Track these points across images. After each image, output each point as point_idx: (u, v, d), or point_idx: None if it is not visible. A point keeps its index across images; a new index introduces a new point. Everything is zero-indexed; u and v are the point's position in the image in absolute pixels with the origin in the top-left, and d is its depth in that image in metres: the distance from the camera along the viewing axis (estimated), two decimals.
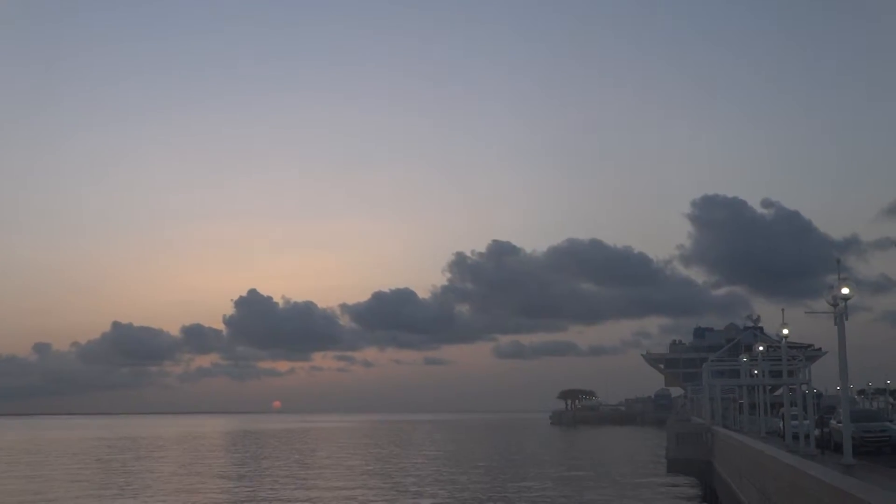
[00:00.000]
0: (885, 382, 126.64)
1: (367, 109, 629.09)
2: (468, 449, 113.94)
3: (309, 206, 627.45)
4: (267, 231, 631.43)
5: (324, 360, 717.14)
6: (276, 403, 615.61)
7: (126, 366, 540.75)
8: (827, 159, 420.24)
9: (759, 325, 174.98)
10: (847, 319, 24.71)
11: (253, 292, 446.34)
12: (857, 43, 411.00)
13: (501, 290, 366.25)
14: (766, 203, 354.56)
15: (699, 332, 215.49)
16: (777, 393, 79.71)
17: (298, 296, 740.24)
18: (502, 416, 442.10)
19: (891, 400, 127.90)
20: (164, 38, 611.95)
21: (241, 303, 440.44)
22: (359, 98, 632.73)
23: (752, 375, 55.36)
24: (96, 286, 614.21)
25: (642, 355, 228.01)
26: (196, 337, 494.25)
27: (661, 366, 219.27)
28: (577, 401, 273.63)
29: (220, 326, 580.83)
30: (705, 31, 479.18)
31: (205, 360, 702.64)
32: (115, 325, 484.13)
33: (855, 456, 25.35)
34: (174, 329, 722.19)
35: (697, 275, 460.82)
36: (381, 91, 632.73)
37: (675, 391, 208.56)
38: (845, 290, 23.75)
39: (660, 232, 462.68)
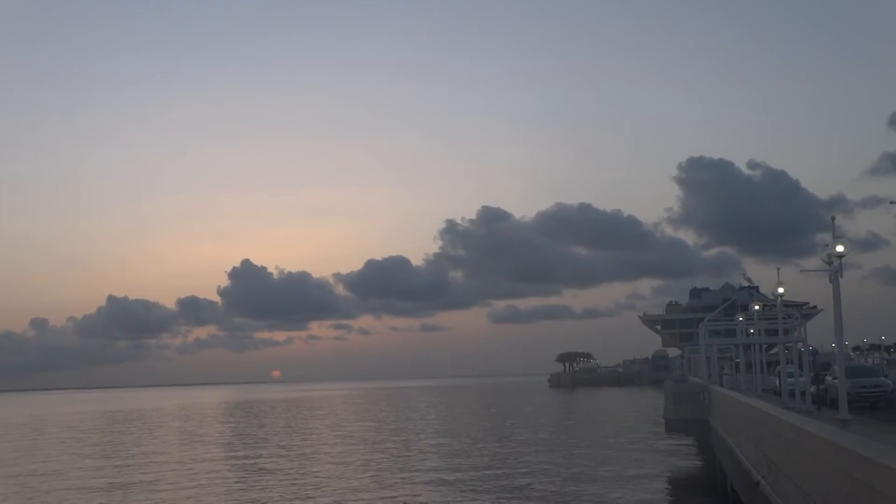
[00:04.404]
0: (880, 338, 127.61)
1: (356, 80, 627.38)
2: (469, 414, 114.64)
3: (299, 176, 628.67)
4: (258, 201, 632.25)
5: (321, 328, 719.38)
6: (276, 373, 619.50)
7: (123, 339, 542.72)
8: (811, 119, 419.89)
9: (747, 284, 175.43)
10: (842, 277, 24.91)
11: (246, 263, 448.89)
12: (840, 2, 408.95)
13: (494, 255, 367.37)
14: (752, 164, 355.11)
15: (695, 293, 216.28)
16: (773, 351, 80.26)
17: (292, 266, 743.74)
18: (500, 380, 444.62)
19: (885, 355, 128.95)
20: (156, 10, 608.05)
21: (235, 274, 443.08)
22: (349, 69, 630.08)
23: (748, 334, 55.70)
24: (90, 260, 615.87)
25: (639, 317, 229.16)
26: (192, 309, 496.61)
27: (658, 327, 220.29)
28: (574, 363, 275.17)
29: (216, 298, 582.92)
30: None
31: (202, 332, 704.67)
32: (111, 298, 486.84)
33: (851, 411, 25.62)
34: (170, 301, 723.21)
35: (687, 236, 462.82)
36: (370, 62, 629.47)
37: (673, 352, 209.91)
38: (840, 248, 23.89)
39: (648, 195, 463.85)
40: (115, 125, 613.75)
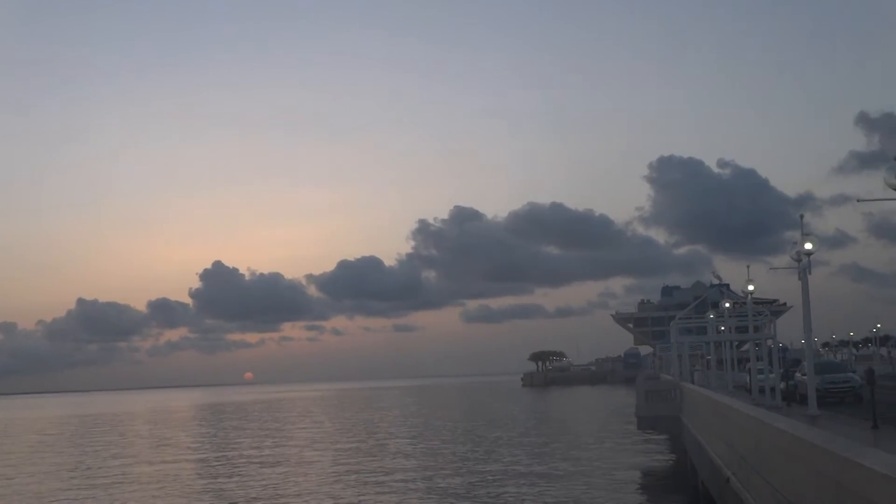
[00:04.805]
0: (849, 334, 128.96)
1: (326, 81, 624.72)
2: (441, 414, 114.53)
3: (271, 177, 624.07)
4: (229, 202, 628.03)
5: (293, 330, 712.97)
6: (248, 375, 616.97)
7: (94, 342, 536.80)
8: (780, 118, 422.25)
9: (717, 282, 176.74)
10: (811, 274, 25.08)
11: (218, 264, 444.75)
12: (805, 4, 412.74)
13: (466, 255, 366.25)
14: (722, 163, 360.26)
15: (666, 291, 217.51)
16: (744, 348, 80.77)
17: (264, 267, 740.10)
18: (474, 379, 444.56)
19: (854, 351, 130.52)
20: (117, 7, 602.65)
21: (206, 275, 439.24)
22: (319, 69, 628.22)
23: (719, 332, 56.00)
24: (59, 263, 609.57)
25: (611, 315, 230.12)
26: (163, 311, 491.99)
27: (630, 325, 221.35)
28: (547, 362, 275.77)
29: (187, 300, 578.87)
30: None
31: (173, 335, 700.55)
32: (81, 301, 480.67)
33: (819, 407, 25.80)
34: (140, 304, 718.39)
35: (658, 235, 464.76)
36: (340, 62, 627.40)
37: (645, 350, 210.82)
38: (809, 246, 24.07)
39: (619, 194, 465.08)
40: (83, 125, 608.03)
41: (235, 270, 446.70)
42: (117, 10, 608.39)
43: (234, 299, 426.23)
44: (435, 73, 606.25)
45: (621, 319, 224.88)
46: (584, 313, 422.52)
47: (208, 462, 59.39)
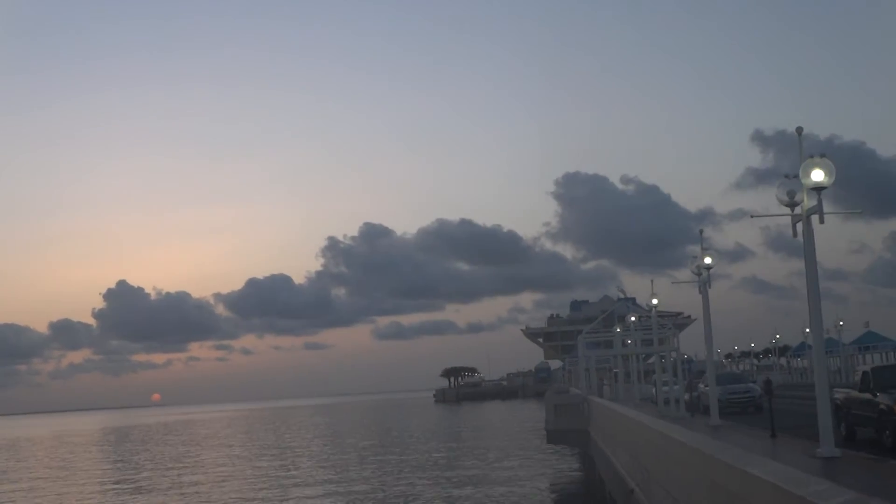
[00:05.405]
0: (750, 345, 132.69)
1: (236, 96, 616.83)
2: (351, 432, 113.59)
3: (177, 194, 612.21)
4: (134, 221, 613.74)
5: (201, 349, 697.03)
6: (156, 396, 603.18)
7: None
8: (680, 135, 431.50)
9: (622, 297, 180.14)
10: (710, 287, 25.67)
11: (122, 284, 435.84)
12: (702, 25, 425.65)
13: (376, 272, 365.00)
14: (626, 179, 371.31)
15: (575, 306, 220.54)
16: (650, 361, 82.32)
17: (170, 286, 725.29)
18: (386, 396, 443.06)
19: (755, 362, 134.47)
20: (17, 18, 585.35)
21: (110, 295, 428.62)
22: (228, 84, 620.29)
23: (625, 345, 56.87)
24: None
25: (522, 330, 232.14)
26: (65, 332, 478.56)
27: (541, 339, 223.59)
28: (459, 378, 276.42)
29: (90, 320, 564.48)
30: (563, 10, 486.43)
31: (76, 356, 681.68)
32: None
33: (722, 417, 26.39)
34: (41, 325, 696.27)
35: (566, 250, 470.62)
36: (250, 77, 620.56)
37: (555, 364, 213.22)
38: (708, 260, 24.66)
39: (527, 210, 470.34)
40: None
41: (141, 290, 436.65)
42: (21, 27, 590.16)
43: (139, 319, 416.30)
44: (341, 91, 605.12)
45: (531, 334, 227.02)
46: (495, 328, 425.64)
47: (103, 488, 57.59)
